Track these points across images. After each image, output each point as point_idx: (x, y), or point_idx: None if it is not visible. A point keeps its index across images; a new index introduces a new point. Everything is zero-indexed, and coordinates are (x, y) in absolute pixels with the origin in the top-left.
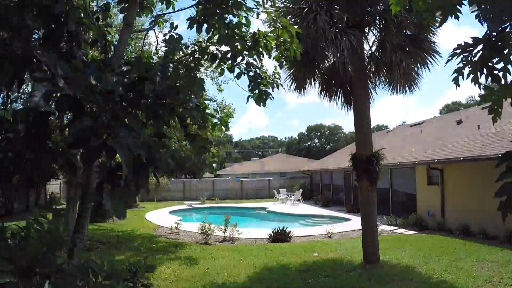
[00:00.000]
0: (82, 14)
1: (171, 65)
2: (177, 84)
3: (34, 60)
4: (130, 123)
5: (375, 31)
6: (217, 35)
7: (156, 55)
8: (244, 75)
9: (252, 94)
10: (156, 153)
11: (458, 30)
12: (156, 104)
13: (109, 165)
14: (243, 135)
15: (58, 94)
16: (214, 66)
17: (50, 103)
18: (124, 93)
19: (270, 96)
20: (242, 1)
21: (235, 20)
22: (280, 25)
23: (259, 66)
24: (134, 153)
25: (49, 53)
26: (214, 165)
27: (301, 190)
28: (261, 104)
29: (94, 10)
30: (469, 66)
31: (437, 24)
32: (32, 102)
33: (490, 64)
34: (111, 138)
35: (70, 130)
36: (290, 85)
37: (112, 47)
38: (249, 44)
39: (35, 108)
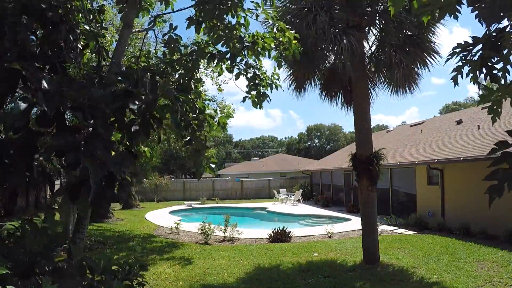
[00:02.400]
0: (81, 15)
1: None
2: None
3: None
4: (107, 138)
5: (375, 31)
6: (215, 35)
7: (155, 55)
8: (243, 75)
9: (250, 95)
10: (125, 170)
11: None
12: (143, 118)
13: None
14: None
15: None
16: (213, 66)
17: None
18: (106, 107)
19: (268, 98)
20: (240, 2)
21: (234, 21)
22: (276, 30)
23: (258, 67)
24: (105, 170)
25: (37, 62)
26: (213, 165)
27: (301, 190)
28: (258, 106)
29: (89, 8)
30: (468, 65)
31: (435, 21)
32: (10, 120)
33: (489, 64)
34: (87, 157)
35: (51, 145)
36: (290, 85)
37: (107, 49)
38: (247, 44)
39: (24, 127)
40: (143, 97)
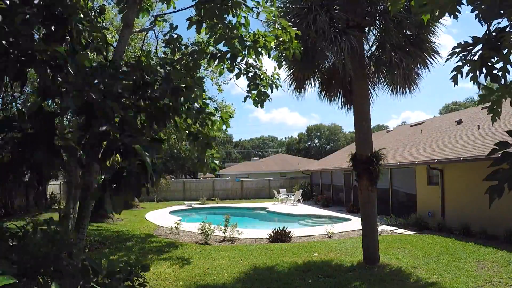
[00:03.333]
0: (82, 15)
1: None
2: (181, 86)
3: (37, 57)
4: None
5: (375, 31)
6: (216, 35)
7: (156, 55)
8: (243, 75)
9: (250, 95)
10: (153, 156)
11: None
12: (158, 108)
13: (117, 166)
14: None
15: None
16: (214, 66)
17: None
18: (129, 96)
19: (269, 98)
20: (242, 0)
21: (234, 20)
22: (279, 26)
23: (259, 67)
24: (145, 157)
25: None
26: (217, 161)
27: (301, 190)
28: (259, 105)
29: (91, 7)
30: (468, 65)
31: (434, 21)
32: (64, 108)
33: (489, 63)
34: (131, 141)
35: (88, 133)
36: (290, 85)
37: (111, 48)
38: (248, 43)
39: (41, 109)
40: (160, 86)
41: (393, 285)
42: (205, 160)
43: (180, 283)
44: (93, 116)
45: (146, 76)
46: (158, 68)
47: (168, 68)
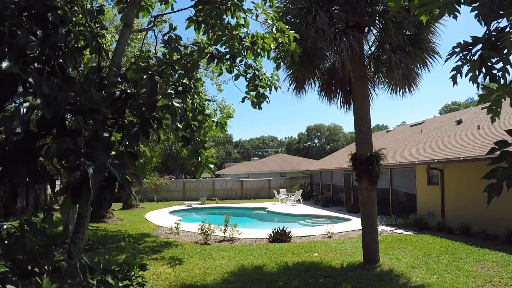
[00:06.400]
0: (81, 15)
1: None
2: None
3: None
4: (107, 141)
5: (374, 31)
6: (215, 36)
7: (155, 56)
8: (242, 76)
9: (248, 96)
10: (124, 171)
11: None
12: (130, 122)
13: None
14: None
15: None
16: (213, 66)
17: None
18: (106, 109)
19: (267, 99)
20: (239, 3)
21: (233, 21)
22: (275, 30)
23: (258, 68)
24: (105, 172)
25: (37, 64)
26: (212, 166)
27: (301, 190)
28: (257, 107)
29: (89, 8)
30: (467, 65)
31: (434, 21)
32: (10, 126)
33: (489, 63)
34: (87, 160)
35: (51, 148)
36: (290, 85)
37: (107, 50)
38: (247, 45)
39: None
40: (143, 98)
41: (393, 285)
42: (201, 163)
43: (180, 283)
44: (64, 130)
45: (128, 89)
46: (145, 79)
47: (157, 78)
